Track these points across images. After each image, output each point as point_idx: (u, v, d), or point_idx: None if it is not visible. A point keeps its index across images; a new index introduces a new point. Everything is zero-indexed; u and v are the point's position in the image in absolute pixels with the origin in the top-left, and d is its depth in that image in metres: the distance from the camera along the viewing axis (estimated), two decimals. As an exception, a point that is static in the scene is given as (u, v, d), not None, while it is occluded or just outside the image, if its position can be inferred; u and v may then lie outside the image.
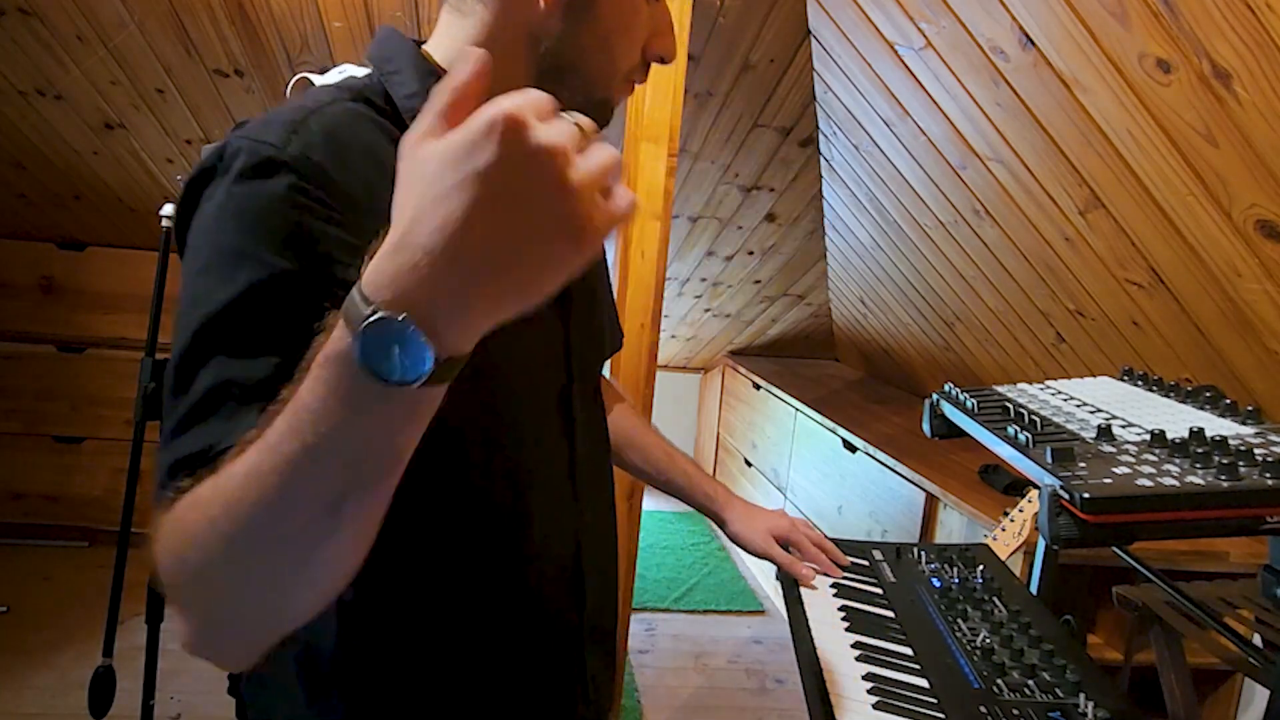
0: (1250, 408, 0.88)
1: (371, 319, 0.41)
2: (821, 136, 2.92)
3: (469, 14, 0.72)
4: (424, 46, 0.77)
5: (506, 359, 0.75)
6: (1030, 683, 0.93)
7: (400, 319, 0.41)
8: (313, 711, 0.76)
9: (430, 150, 0.42)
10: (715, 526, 1.25)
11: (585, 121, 0.44)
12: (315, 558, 0.49)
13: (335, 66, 1.92)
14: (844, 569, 1.19)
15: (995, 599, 1.11)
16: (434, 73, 0.73)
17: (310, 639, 0.74)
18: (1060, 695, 0.90)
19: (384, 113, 0.71)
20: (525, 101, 0.41)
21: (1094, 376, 1.13)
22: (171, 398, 0.58)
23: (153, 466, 0.59)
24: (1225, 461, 0.72)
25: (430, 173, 0.41)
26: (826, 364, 4.35)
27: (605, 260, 1.05)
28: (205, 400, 0.57)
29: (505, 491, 0.76)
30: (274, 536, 0.48)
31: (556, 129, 0.41)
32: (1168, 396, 0.99)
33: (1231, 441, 0.77)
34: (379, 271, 0.43)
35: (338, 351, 0.44)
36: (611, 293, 1.10)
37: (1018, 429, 0.88)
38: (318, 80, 1.84)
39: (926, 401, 1.13)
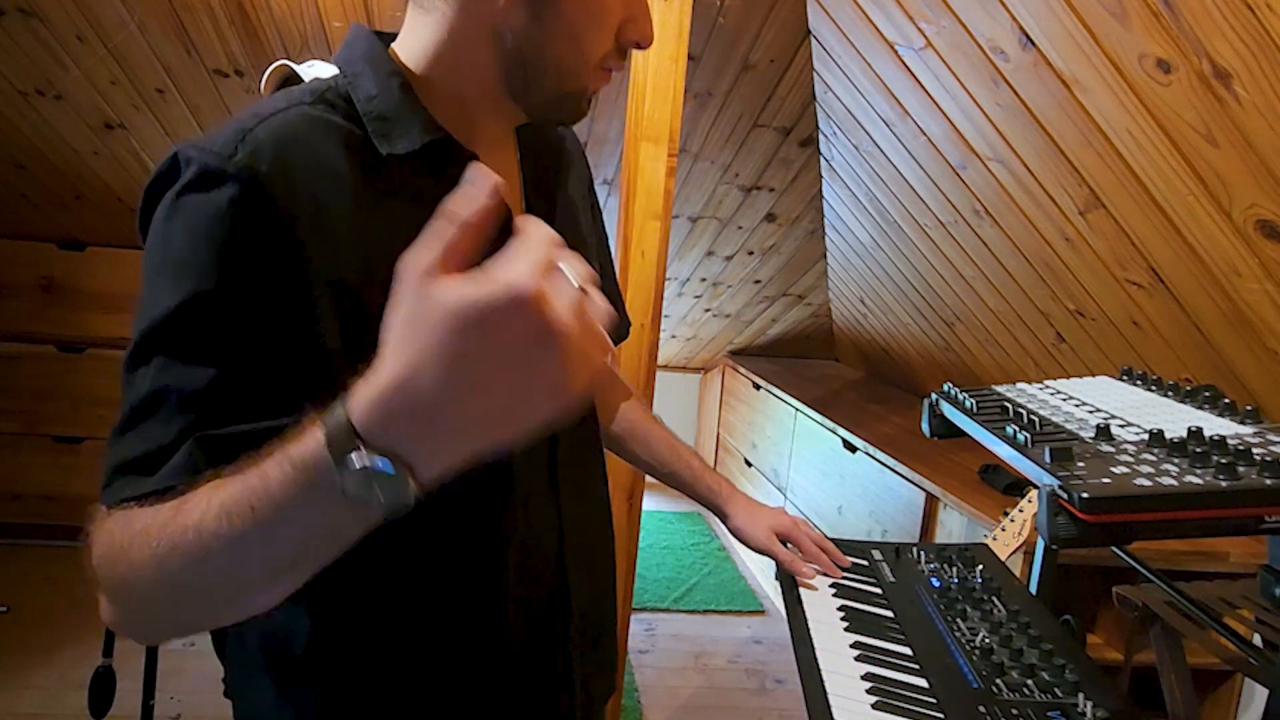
0: (1249, 407, 0.88)
1: (361, 464, 0.44)
2: (821, 136, 2.92)
3: (431, 10, 0.71)
4: (392, 45, 0.75)
5: None
6: (1029, 682, 0.93)
7: (383, 465, 0.44)
8: (285, 701, 0.76)
9: (445, 302, 0.41)
10: (716, 526, 1.26)
11: (583, 273, 0.44)
12: (248, 601, 0.54)
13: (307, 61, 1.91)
14: (844, 569, 1.19)
15: (994, 599, 1.11)
16: (397, 73, 0.72)
17: (282, 630, 0.74)
18: (1059, 695, 0.90)
19: (345, 114, 0.71)
20: (539, 260, 0.42)
21: (1093, 376, 1.13)
22: (121, 395, 0.62)
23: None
24: (1224, 461, 0.72)
25: (443, 327, 0.41)
26: (826, 364, 4.35)
27: (607, 247, 1.03)
28: (145, 404, 0.60)
29: (484, 487, 0.75)
30: (213, 586, 0.53)
31: (567, 300, 0.42)
32: (1166, 396, 0.99)
33: (1230, 441, 0.77)
34: (372, 407, 0.44)
35: (316, 464, 0.45)
36: (615, 281, 1.08)
37: (1016, 429, 0.88)
38: (297, 68, 1.83)
39: (926, 401, 1.13)
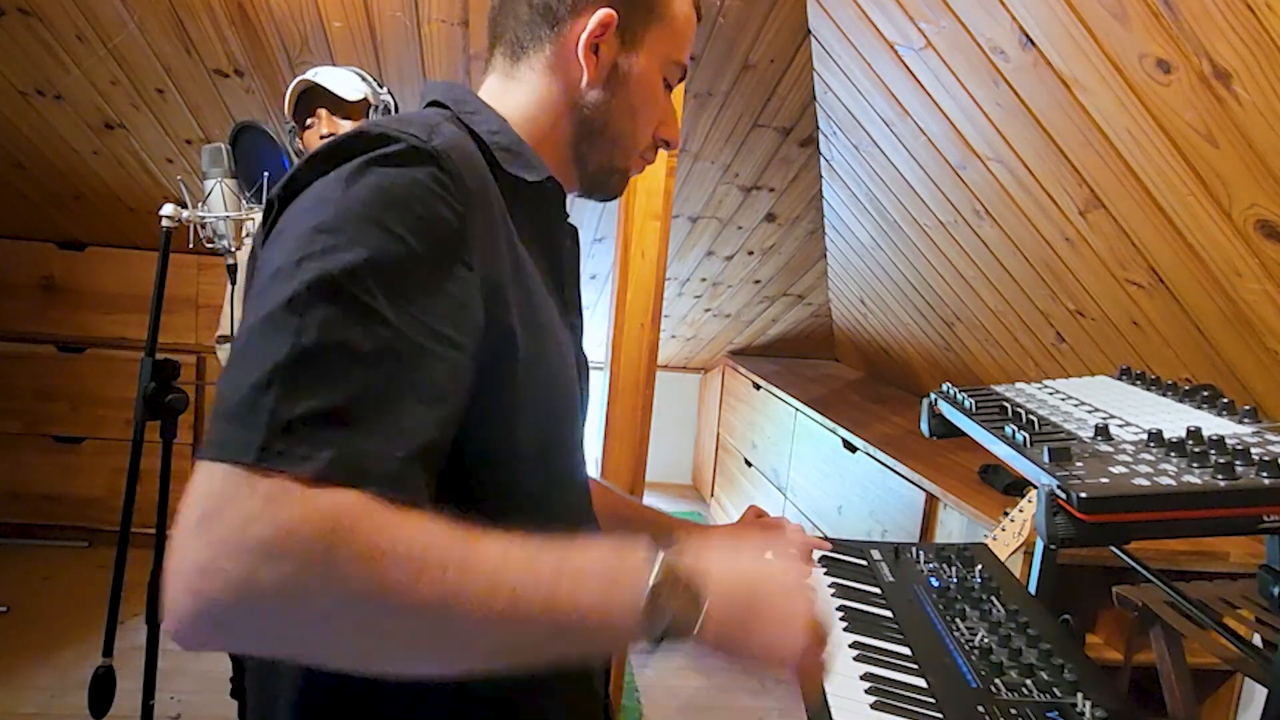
0: (1248, 407, 0.88)
1: (668, 616, 0.59)
2: (821, 136, 2.92)
3: (522, 80, 0.83)
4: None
5: (570, 382, 0.80)
6: (1028, 682, 0.93)
7: (687, 622, 0.60)
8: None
9: (794, 589, 0.66)
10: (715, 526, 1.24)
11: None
12: (430, 666, 0.57)
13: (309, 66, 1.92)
14: (843, 571, 1.19)
15: (993, 599, 1.11)
16: (504, 120, 0.81)
17: None
18: (1058, 695, 0.90)
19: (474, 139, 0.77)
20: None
21: (1093, 376, 1.13)
22: (266, 342, 0.54)
23: (227, 407, 0.53)
24: (1222, 461, 0.72)
25: (774, 588, 0.66)
26: (826, 364, 4.35)
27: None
28: (316, 356, 0.54)
29: (558, 498, 0.82)
30: (439, 644, 0.55)
31: (816, 606, 0.66)
32: (1165, 396, 0.99)
33: (1229, 441, 0.77)
34: (718, 589, 0.62)
35: (633, 610, 0.57)
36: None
37: (1015, 429, 0.88)
38: (323, 79, 1.85)
39: (925, 402, 1.13)
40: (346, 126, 1.89)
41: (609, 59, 0.82)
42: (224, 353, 2.12)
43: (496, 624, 0.53)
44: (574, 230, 0.92)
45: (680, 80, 0.88)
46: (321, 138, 1.87)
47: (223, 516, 0.49)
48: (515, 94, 0.83)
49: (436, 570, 0.51)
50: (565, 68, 0.82)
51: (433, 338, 0.60)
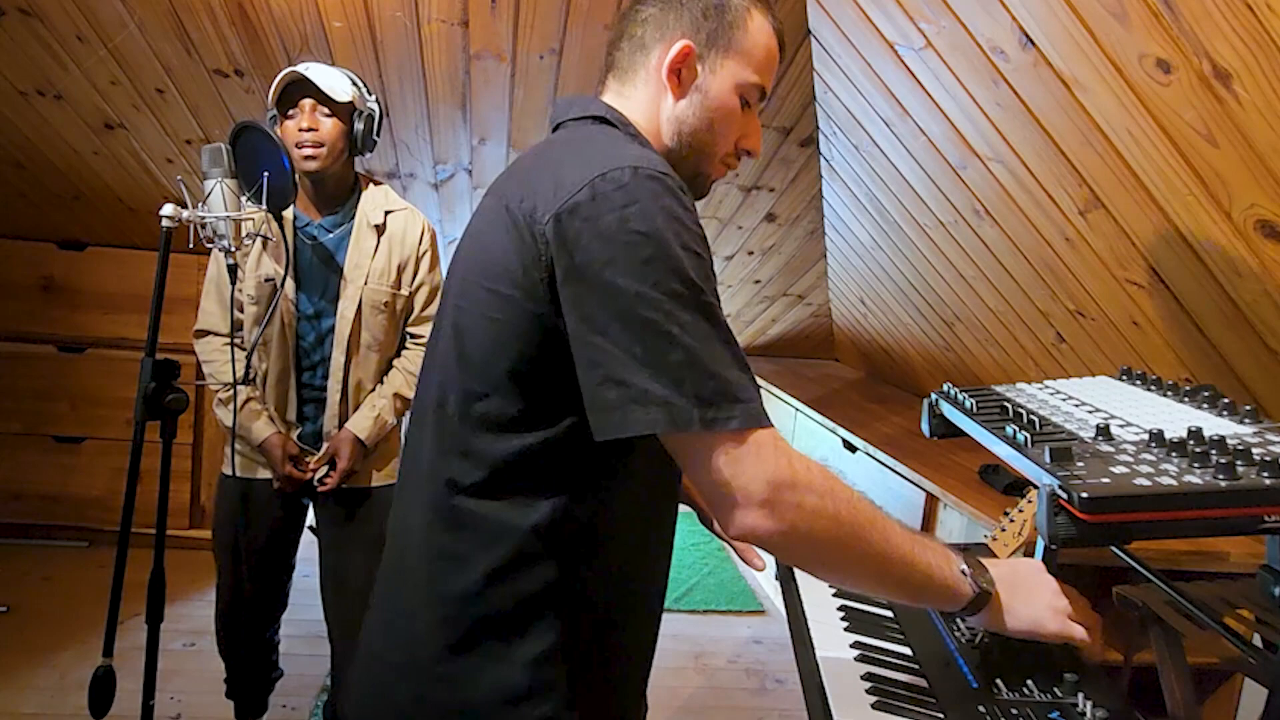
0: (1249, 407, 0.88)
1: (984, 595, 0.90)
2: (821, 136, 2.92)
3: (630, 99, 1.01)
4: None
5: None
6: (1028, 682, 0.93)
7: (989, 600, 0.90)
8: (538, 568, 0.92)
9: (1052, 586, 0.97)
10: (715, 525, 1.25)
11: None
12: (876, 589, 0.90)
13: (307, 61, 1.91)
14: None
15: (994, 599, 1.11)
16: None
17: (563, 518, 0.92)
18: (1059, 695, 0.91)
19: None
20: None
21: (1093, 376, 1.13)
22: (666, 350, 0.77)
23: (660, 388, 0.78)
24: (1223, 461, 0.72)
25: (1048, 594, 0.95)
26: (826, 364, 4.35)
27: None
28: (701, 348, 0.78)
29: (674, 474, 1.05)
30: (862, 576, 0.86)
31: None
32: (1166, 396, 0.99)
33: (1229, 441, 0.77)
34: (1001, 587, 0.92)
35: (963, 590, 0.89)
36: None
37: (1016, 429, 0.88)
38: (314, 75, 1.85)
39: (925, 402, 1.13)
40: (328, 123, 1.90)
41: (690, 81, 0.98)
42: (201, 346, 2.07)
43: (900, 564, 0.83)
44: None
45: (760, 100, 1.03)
46: (300, 130, 1.87)
47: (734, 470, 0.78)
48: (629, 112, 1.00)
49: (868, 510, 0.84)
50: (657, 88, 0.99)
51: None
